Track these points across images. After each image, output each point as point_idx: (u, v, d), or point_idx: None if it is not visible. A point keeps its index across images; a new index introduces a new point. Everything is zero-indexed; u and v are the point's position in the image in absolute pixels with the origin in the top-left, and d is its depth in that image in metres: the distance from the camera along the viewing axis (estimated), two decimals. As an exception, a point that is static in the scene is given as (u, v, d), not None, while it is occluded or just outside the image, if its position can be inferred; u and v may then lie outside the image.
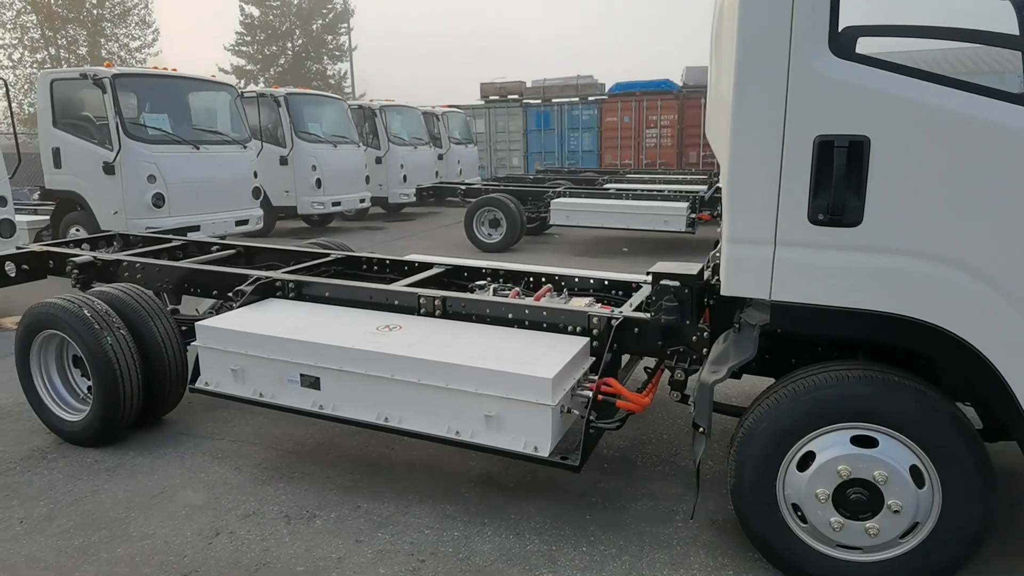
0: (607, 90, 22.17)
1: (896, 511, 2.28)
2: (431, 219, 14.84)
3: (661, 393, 3.14)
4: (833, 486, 2.34)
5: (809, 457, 2.38)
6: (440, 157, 16.16)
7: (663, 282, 2.74)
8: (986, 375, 2.14)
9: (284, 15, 38.46)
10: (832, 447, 2.34)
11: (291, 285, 3.82)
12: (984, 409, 2.82)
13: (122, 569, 2.68)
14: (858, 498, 2.32)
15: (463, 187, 11.90)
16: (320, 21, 38.94)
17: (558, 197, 10.26)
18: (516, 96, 23.30)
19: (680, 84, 21.50)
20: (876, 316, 2.22)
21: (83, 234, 8.49)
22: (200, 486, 3.31)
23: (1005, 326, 2.07)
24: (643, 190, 10.72)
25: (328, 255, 4.60)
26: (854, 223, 2.15)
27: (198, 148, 8.68)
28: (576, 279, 4.01)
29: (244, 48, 38.35)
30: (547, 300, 3.64)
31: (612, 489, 3.21)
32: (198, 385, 3.44)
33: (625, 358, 3.45)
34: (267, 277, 3.86)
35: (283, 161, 11.30)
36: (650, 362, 3.39)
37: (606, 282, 3.96)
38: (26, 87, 27.62)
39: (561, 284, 4.00)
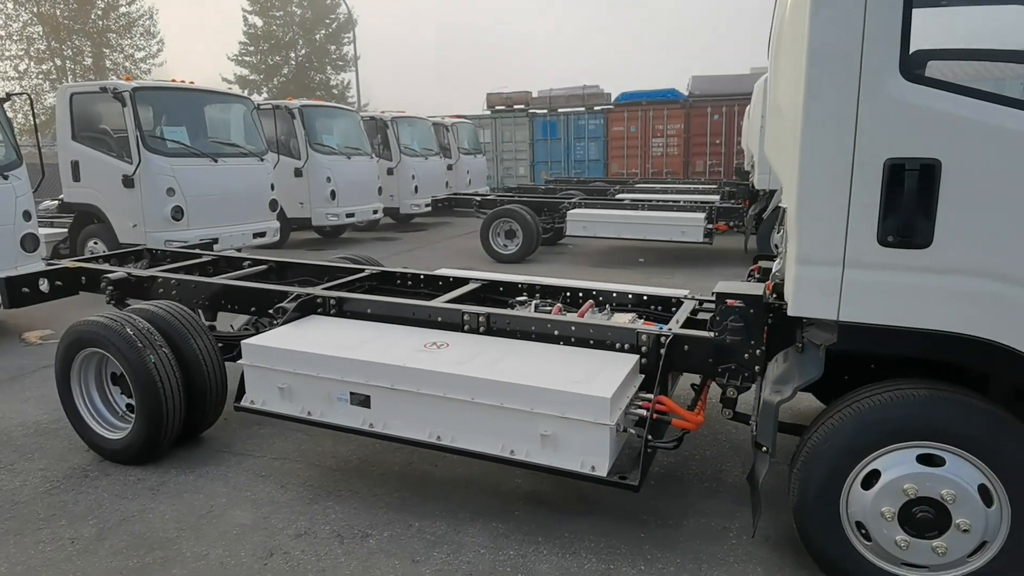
0: (613, 100, 22.25)
1: (964, 530, 2.28)
2: (442, 229, 14.87)
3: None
4: (899, 504, 2.34)
5: (874, 475, 2.38)
6: (449, 167, 16.21)
7: (728, 302, 2.75)
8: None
9: (287, 25, 38.66)
10: (898, 466, 2.34)
11: (332, 302, 3.82)
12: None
13: (181, 591, 2.68)
14: (925, 517, 2.32)
15: (478, 198, 11.93)
16: (323, 31, 39.14)
17: (574, 208, 10.28)
18: (522, 106, 23.39)
19: (686, 93, 21.58)
20: (943, 335, 2.23)
21: (101, 247, 8.53)
22: (248, 505, 3.30)
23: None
24: (658, 200, 10.75)
25: (363, 270, 4.61)
26: (924, 245, 2.16)
27: (216, 161, 8.71)
28: (614, 294, 4.02)
29: (248, 58, 38.52)
30: (590, 316, 3.65)
31: (662, 507, 3.21)
32: (244, 403, 3.44)
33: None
34: (308, 294, 3.87)
35: (298, 173, 11.33)
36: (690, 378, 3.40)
37: (645, 297, 3.97)
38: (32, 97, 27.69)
39: (599, 299, 4.01)
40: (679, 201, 10.61)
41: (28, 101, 7.57)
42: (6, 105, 6.71)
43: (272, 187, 9.62)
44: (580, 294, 4.09)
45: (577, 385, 2.77)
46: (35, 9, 29.14)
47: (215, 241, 8.45)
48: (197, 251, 5.52)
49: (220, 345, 3.93)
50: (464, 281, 4.34)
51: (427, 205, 14.37)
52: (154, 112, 8.50)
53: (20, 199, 6.40)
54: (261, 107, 10.60)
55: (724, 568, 2.76)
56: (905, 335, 2.27)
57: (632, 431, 2.83)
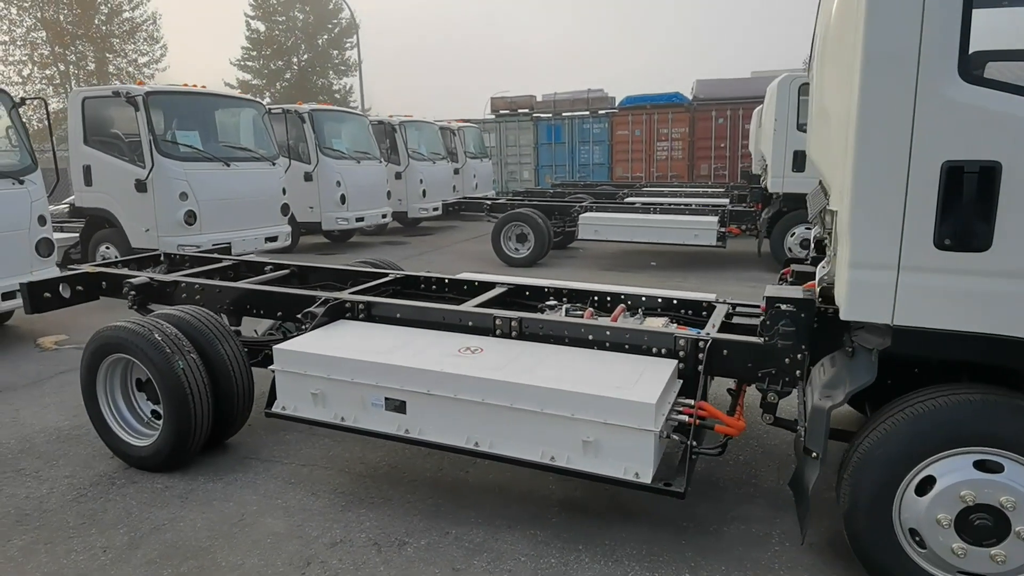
0: (617, 103, 22.24)
1: (1024, 538, 2.25)
2: (450, 233, 14.85)
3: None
4: (956, 511, 2.31)
5: (928, 482, 2.35)
6: (456, 172, 16.19)
7: (779, 306, 2.71)
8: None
9: (290, 30, 38.70)
10: (954, 472, 2.31)
11: (361, 306, 3.79)
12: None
13: (220, 600, 2.64)
14: (983, 524, 2.28)
15: (488, 202, 11.91)
16: (325, 36, 39.18)
17: (585, 212, 10.25)
18: (526, 110, 23.40)
19: (690, 97, 21.58)
20: (1001, 339, 2.20)
21: (113, 252, 8.51)
22: (280, 513, 3.26)
23: None
24: (670, 204, 10.73)
25: (387, 275, 4.58)
26: (983, 248, 2.13)
27: (228, 165, 8.68)
28: (643, 298, 3.99)
29: (250, 63, 38.55)
30: (623, 321, 3.62)
31: (701, 513, 3.17)
32: (275, 409, 3.40)
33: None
34: (336, 298, 3.83)
35: (308, 177, 11.31)
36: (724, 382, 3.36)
37: (675, 301, 3.94)
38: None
39: (628, 303, 3.98)
40: (691, 205, 10.58)
41: (43, 105, 7.53)
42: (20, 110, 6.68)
43: (284, 191, 9.59)
44: (608, 298, 4.06)
45: (620, 391, 2.74)
46: (39, 14, 29.18)
47: (228, 245, 8.46)
48: (217, 255, 5.49)
49: (246, 350, 3.90)
50: (490, 285, 4.31)
51: (435, 209, 14.35)
52: (167, 116, 8.47)
53: (36, 204, 6.38)
54: (271, 111, 10.58)
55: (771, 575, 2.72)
56: (962, 339, 2.24)
57: (674, 437, 2.80)
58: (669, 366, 3.00)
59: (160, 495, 3.47)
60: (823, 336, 2.79)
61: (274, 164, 9.50)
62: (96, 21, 30.61)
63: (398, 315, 3.74)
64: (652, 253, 11.02)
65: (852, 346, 2.53)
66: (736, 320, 3.63)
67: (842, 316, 2.36)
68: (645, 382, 2.82)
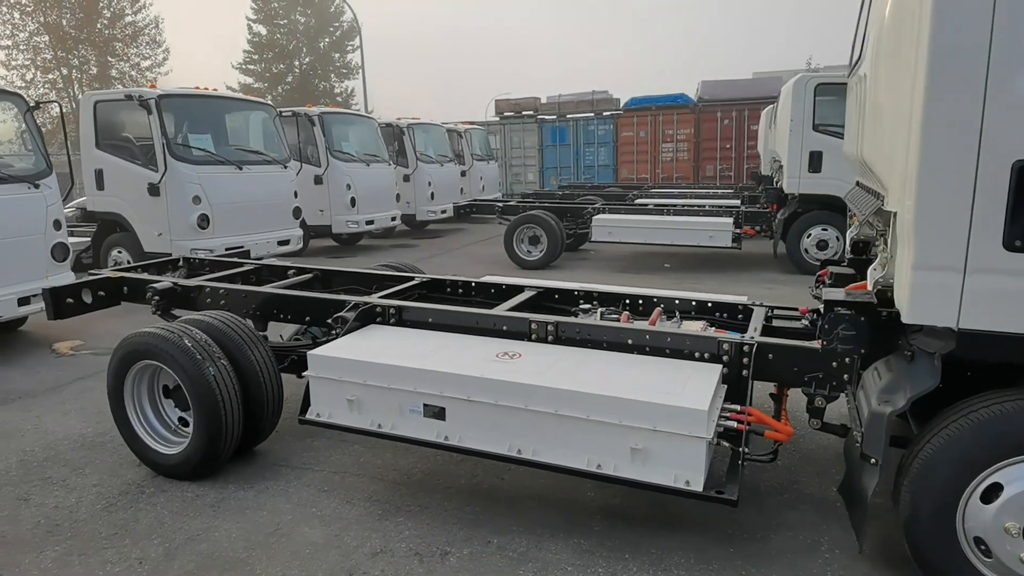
0: (622, 105, 22.23)
1: (1096, 547, 2.19)
2: (458, 236, 14.79)
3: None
4: (1024, 520, 2.25)
5: (995, 489, 2.29)
6: (463, 174, 16.15)
7: (838, 310, 2.65)
8: None
9: (291, 33, 38.72)
10: (1022, 479, 2.25)
11: (392, 311, 3.73)
12: None
13: (263, 613, 2.58)
14: (1052, 532, 2.23)
15: (500, 204, 11.87)
16: (327, 39, 39.20)
17: (599, 214, 10.20)
18: (531, 112, 23.39)
19: (695, 98, 21.55)
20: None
21: (125, 256, 8.46)
22: (316, 522, 3.21)
23: None
24: (683, 206, 10.67)
25: (412, 278, 4.52)
26: (1055, 249, 2.08)
27: (241, 168, 8.64)
28: (676, 300, 3.93)
29: (252, 67, 38.57)
30: (661, 325, 3.56)
31: (746, 520, 3.11)
32: (309, 416, 3.34)
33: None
34: (367, 303, 3.78)
35: (318, 180, 11.26)
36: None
37: (708, 304, 3.88)
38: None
39: (661, 306, 3.91)
40: (704, 206, 10.53)
41: (59, 109, 7.49)
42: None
43: (295, 195, 9.55)
44: (640, 301, 4.00)
45: (669, 396, 2.68)
46: (42, 19, 29.18)
47: (239, 249, 8.39)
48: (237, 259, 5.44)
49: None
50: (518, 289, 4.25)
51: (443, 212, 14.30)
52: (179, 119, 8.42)
53: (51, 208, 6.32)
54: (281, 114, 10.53)
55: (823, 585, 2.66)
56: (1032, 342, 2.18)
57: (728, 444, 2.74)
58: (714, 371, 2.94)
59: (191, 504, 3.41)
60: (876, 339, 2.74)
61: (286, 167, 9.46)
62: (99, 25, 30.63)
63: (430, 319, 3.68)
64: (664, 255, 10.97)
65: (911, 350, 2.47)
66: (776, 323, 3.58)
67: (904, 319, 2.30)
68: (693, 387, 2.76)
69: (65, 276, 6.38)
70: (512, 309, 3.79)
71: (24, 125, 6.45)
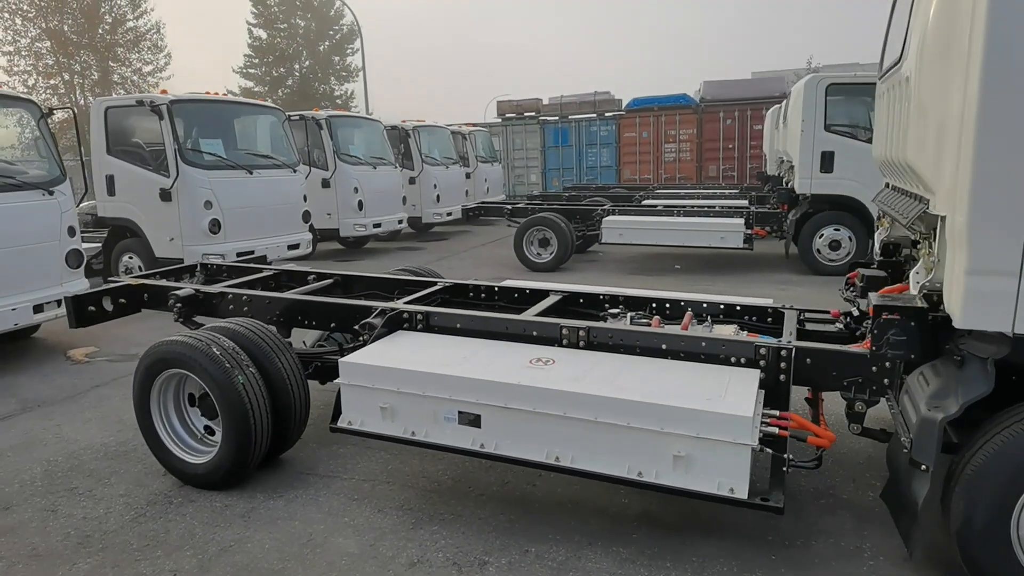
0: (624, 106, 22.20)
1: None
2: (464, 238, 14.76)
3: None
4: (1081, 527, 2.22)
5: (1050, 496, 2.26)
6: (468, 176, 16.12)
7: (888, 315, 2.63)
8: None
9: (291, 37, 38.69)
10: (1078, 486, 2.22)
11: (419, 317, 3.70)
12: None
13: (304, 626, 2.55)
14: (1110, 540, 2.20)
15: (509, 207, 11.85)
16: (327, 42, 39.18)
17: (609, 215, 10.17)
18: (533, 113, 23.35)
19: (697, 98, 21.53)
20: None
21: (137, 261, 8.42)
22: (349, 532, 3.17)
23: None
24: (693, 206, 10.64)
25: (435, 283, 4.49)
26: (1113, 253, 2.05)
27: (251, 173, 8.61)
28: (704, 304, 3.90)
29: (252, 71, 38.53)
30: (693, 329, 3.53)
31: (785, 527, 3.08)
32: (340, 424, 3.31)
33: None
34: (394, 308, 3.75)
35: (325, 184, 11.23)
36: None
37: (738, 307, 3.85)
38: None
39: (689, 310, 3.89)
40: (714, 207, 10.50)
41: (72, 115, 7.46)
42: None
43: (305, 198, 9.52)
44: (667, 305, 3.97)
45: (711, 403, 2.65)
46: (43, 24, 29.13)
47: (251, 253, 8.37)
48: (256, 265, 5.41)
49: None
50: (543, 294, 4.22)
51: (449, 214, 14.27)
52: (190, 124, 8.39)
53: (65, 215, 6.29)
54: (289, 118, 10.51)
55: (869, 592, 2.63)
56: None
57: (771, 451, 2.70)
58: (753, 376, 2.92)
59: (221, 514, 3.37)
60: (924, 344, 2.70)
61: (295, 171, 9.44)
62: (100, 31, 30.56)
63: (458, 325, 3.65)
64: (674, 256, 10.94)
65: (960, 354, 2.44)
66: (808, 327, 3.55)
67: (957, 324, 2.28)
68: (734, 393, 2.74)
69: (80, 283, 6.36)
70: (539, 314, 3.76)
71: (38, 132, 6.41)
